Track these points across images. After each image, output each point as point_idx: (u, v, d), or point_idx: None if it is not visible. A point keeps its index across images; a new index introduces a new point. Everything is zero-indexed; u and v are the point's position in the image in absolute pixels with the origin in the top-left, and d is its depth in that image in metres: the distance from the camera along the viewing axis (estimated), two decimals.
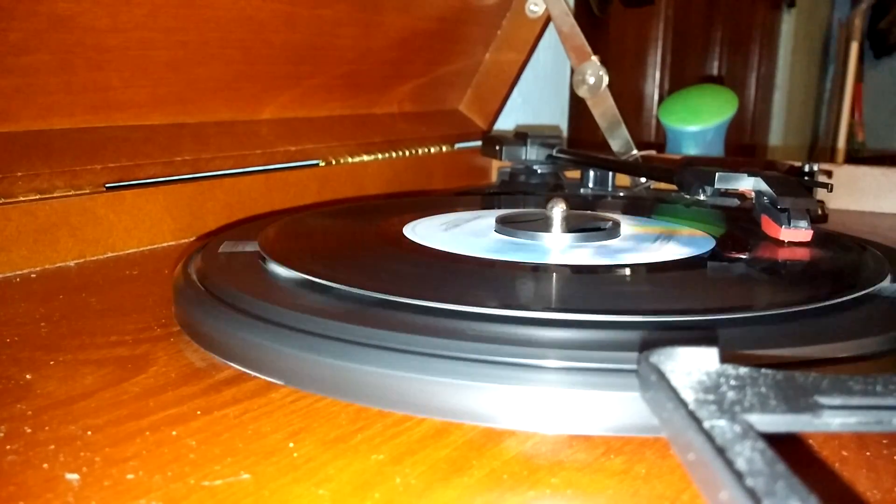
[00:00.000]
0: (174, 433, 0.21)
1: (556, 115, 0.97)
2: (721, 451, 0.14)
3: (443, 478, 0.19)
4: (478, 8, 0.67)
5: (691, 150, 0.73)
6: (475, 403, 0.21)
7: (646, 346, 0.18)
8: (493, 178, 0.75)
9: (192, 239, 0.47)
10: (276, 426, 0.21)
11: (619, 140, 0.62)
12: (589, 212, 0.43)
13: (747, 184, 0.39)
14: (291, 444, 0.20)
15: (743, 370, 0.17)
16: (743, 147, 1.68)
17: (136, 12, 0.41)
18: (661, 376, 0.17)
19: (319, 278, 0.28)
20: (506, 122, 0.82)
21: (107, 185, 0.43)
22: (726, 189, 0.41)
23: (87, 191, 0.42)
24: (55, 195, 0.40)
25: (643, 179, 0.59)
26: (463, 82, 0.73)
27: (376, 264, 0.32)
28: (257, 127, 0.53)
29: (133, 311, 0.32)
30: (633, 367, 0.20)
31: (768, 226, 0.38)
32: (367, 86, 0.62)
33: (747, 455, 0.13)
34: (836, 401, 0.16)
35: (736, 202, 0.41)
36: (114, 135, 0.44)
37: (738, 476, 0.13)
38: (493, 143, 0.63)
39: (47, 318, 0.31)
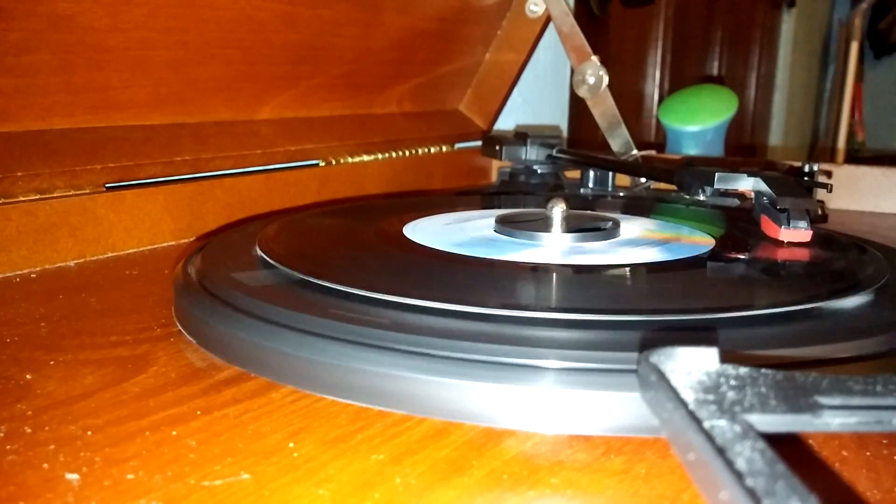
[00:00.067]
0: (174, 433, 0.21)
1: (556, 115, 0.97)
2: (721, 451, 0.14)
3: (443, 478, 0.19)
4: (478, 8, 0.67)
5: (691, 150, 0.73)
6: (475, 403, 0.21)
7: (646, 346, 0.18)
8: (493, 178, 0.75)
9: (192, 239, 0.47)
10: (276, 426, 0.21)
11: (619, 140, 0.62)
12: (589, 212, 0.43)
13: (747, 184, 0.39)
14: (291, 444, 0.20)
15: (743, 370, 0.17)
16: (743, 147, 1.68)
17: (136, 12, 0.41)
18: (661, 376, 0.17)
19: (319, 278, 0.28)
20: (506, 122, 0.82)
21: (107, 185, 0.43)
22: (726, 189, 0.41)
23: (87, 191, 0.42)
24: (55, 195, 0.40)
25: (643, 179, 0.59)
26: (463, 82, 0.73)
27: (376, 264, 0.32)
28: (257, 127, 0.53)
29: (133, 311, 0.32)
30: (633, 367, 0.20)
31: (768, 226, 0.38)
32: (367, 86, 0.62)
33: (747, 455, 0.13)
34: (836, 401, 0.16)
35: (736, 202, 0.41)
36: (114, 135, 0.44)
37: (738, 476, 0.13)
38: (493, 143, 0.63)
39: (47, 318, 0.31)
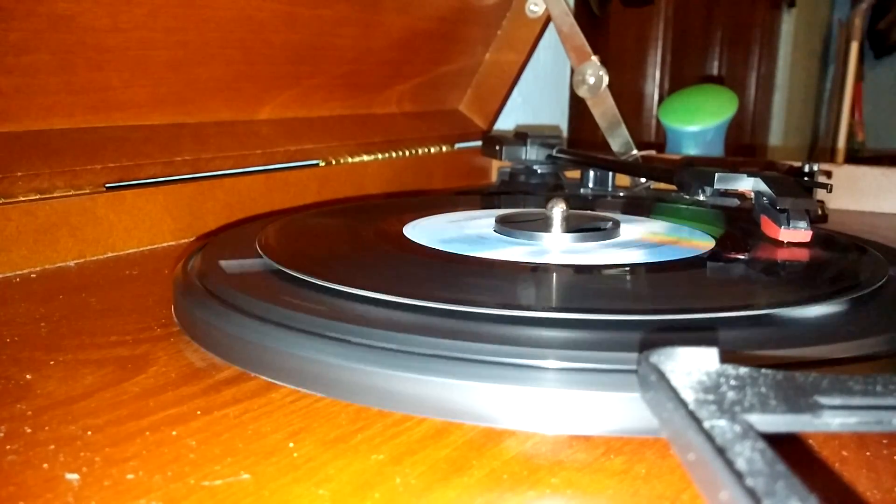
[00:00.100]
0: (174, 433, 0.21)
1: (556, 115, 0.97)
2: (721, 451, 0.14)
3: (443, 478, 0.19)
4: (478, 8, 0.67)
5: (691, 150, 0.73)
6: (474, 404, 0.21)
7: (646, 346, 0.18)
8: (493, 178, 0.75)
9: (192, 239, 0.47)
10: (276, 426, 0.21)
11: (619, 140, 0.62)
12: (589, 212, 0.43)
13: (747, 184, 0.39)
14: (291, 444, 0.20)
15: (743, 370, 0.17)
16: (743, 147, 1.68)
17: (136, 12, 0.41)
18: (661, 376, 0.17)
19: (319, 278, 0.28)
20: (506, 122, 0.82)
21: (107, 185, 0.43)
22: (726, 189, 0.41)
23: (87, 191, 0.42)
24: (55, 195, 0.40)
25: (643, 179, 0.59)
26: (463, 82, 0.73)
27: (376, 264, 0.32)
28: (257, 127, 0.53)
29: (133, 311, 0.32)
30: (633, 367, 0.20)
31: (767, 226, 0.38)
32: (367, 86, 0.62)
33: (747, 455, 0.13)
34: (836, 401, 0.16)
35: (736, 202, 0.41)
36: (114, 135, 0.44)
37: (738, 476, 0.13)
38: (493, 143, 0.63)
39: (47, 318, 0.31)
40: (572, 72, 0.61)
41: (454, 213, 0.43)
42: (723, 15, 1.66)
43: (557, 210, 0.36)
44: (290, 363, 0.23)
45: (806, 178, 0.49)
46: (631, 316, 0.24)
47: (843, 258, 0.35)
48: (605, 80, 0.60)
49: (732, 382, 0.17)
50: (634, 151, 0.62)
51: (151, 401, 0.23)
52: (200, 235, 0.47)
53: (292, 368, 0.23)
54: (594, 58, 0.60)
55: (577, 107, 0.97)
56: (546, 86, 0.94)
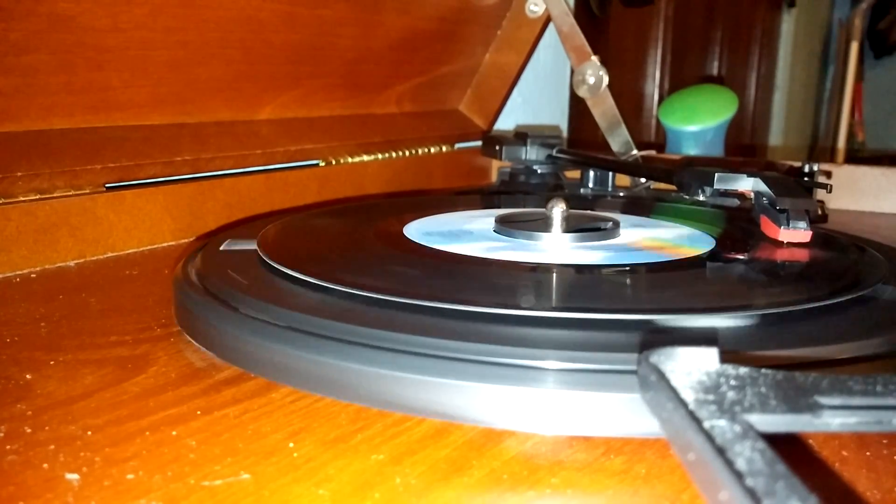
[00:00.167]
0: (174, 433, 0.21)
1: (556, 115, 0.97)
2: (721, 451, 0.14)
3: (443, 478, 0.19)
4: (478, 8, 0.67)
5: (691, 150, 0.73)
6: (474, 405, 0.21)
7: (646, 346, 0.18)
8: (493, 178, 0.75)
9: (192, 239, 0.47)
10: (276, 426, 0.21)
11: (619, 140, 0.62)
12: (589, 212, 0.43)
13: (746, 184, 0.39)
14: (291, 444, 0.20)
15: (743, 370, 0.17)
16: (743, 147, 1.68)
17: (136, 12, 0.41)
18: (661, 376, 0.17)
19: (319, 278, 0.28)
20: (506, 122, 0.82)
21: (107, 185, 0.43)
22: (726, 189, 0.41)
23: (87, 191, 0.42)
24: (55, 195, 0.40)
25: (643, 179, 0.59)
26: (463, 82, 0.73)
27: (376, 264, 0.32)
28: (257, 127, 0.53)
29: (133, 311, 0.32)
30: (633, 367, 0.20)
31: (767, 226, 0.38)
32: (367, 86, 0.62)
33: (747, 455, 0.13)
34: (836, 401, 0.16)
35: (736, 202, 0.41)
36: (114, 135, 0.44)
37: (738, 476, 0.13)
38: (493, 143, 0.63)
39: (47, 318, 0.31)
40: (572, 72, 0.61)
41: (454, 212, 0.43)
42: (723, 15, 1.66)
43: (557, 210, 0.36)
44: (290, 363, 0.23)
45: (806, 178, 0.49)
46: (631, 316, 0.24)
47: (842, 258, 0.35)
48: (605, 80, 0.60)
49: (732, 382, 0.17)
50: (634, 151, 0.62)
51: (151, 401, 0.23)
52: (200, 235, 0.47)
53: (292, 369, 0.23)
54: (594, 58, 0.60)
55: (577, 107, 0.97)
56: (546, 86, 0.94)
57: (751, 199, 0.40)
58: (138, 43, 0.42)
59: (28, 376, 0.25)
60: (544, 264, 0.31)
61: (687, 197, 0.42)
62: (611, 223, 0.37)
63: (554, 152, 0.61)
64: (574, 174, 0.62)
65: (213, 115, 0.50)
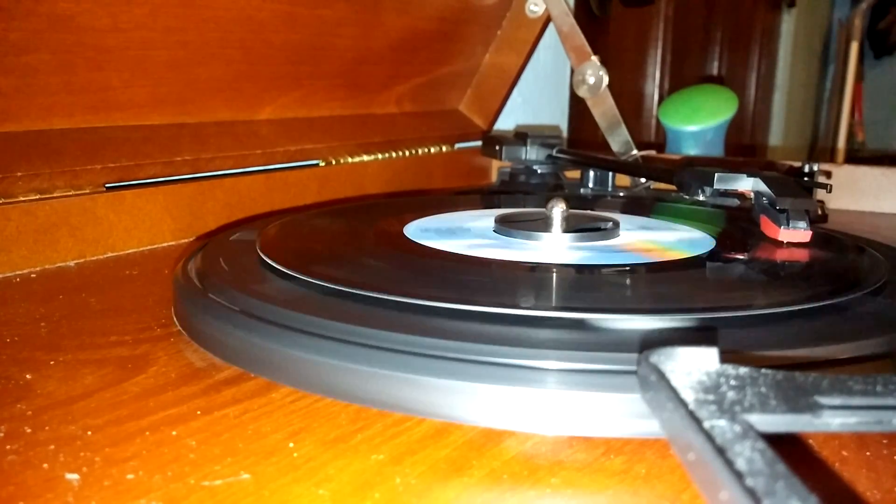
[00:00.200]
0: (174, 433, 0.21)
1: (556, 115, 0.97)
2: (721, 451, 0.14)
3: (443, 478, 0.19)
4: (478, 8, 0.67)
5: (691, 150, 0.73)
6: (472, 406, 0.21)
7: (646, 347, 0.18)
8: (493, 178, 0.75)
9: (192, 239, 0.47)
10: (276, 426, 0.21)
11: (619, 140, 0.62)
12: (589, 211, 0.43)
13: (746, 184, 0.40)
14: (291, 444, 0.20)
15: (743, 370, 0.17)
16: (743, 147, 1.68)
17: (136, 12, 0.41)
18: (661, 376, 0.17)
19: (319, 279, 0.28)
20: (506, 122, 0.82)
21: (107, 185, 0.43)
22: (726, 189, 0.41)
23: (87, 191, 0.42)
24: (55, 195, 0.40)
25: (643, 179, 0.59)
26: (463, 82, 0.73)
27: (376, 264, 0.32)
28: (257, 127, 0.53)
29: (133, 311, 0.32)
30: (633, 368, 0.20)
31: (767, 226, 0.38)
32: (367, 86, 0.62)
33: (747, 455, 0.13)
34: (836, 401, 0.16)
35: (736, 202, 0.41)
36: (114, 135, 0.44)
37: (738, 476, 0.13)
38: (493, 143, 0.63)
39: (47, 318, 0.31)
40: (572, 72, 0.61)
41: (454, 212, 0.43)
42: (723, 15, 1.66)
43: (557, 210, 0.36)
44: (289, 364, 0.23)
45: (806, 178, 0.49)
46: (631, 316, 0.24)
47: (842, 258, 0.35)
48: (605, 80, 0.60)
49: (732, 382, 0.17)
50: (634, 151, 0.62)
51: (151, 401, 0.23)
52: (200, 235, 0.47)
53: (292, 369, 0.23)
54: (594, 58, 0.60)
55: (577, 107, 0.97)
56: (546, 86, 0.94)
57: (751, 199, 0.40)
58: (138, 43, 0.42)
59: (28, 376, 0.25)
60: (544, 264, 0.31)
61: (687, 197, 0.42)
62: (611, 223, 0.37)
63: (554, 152, 0.61)
64: (574, 174, 0.62)
65: (213, 115, 0.50)
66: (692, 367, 0.17)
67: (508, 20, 0.71)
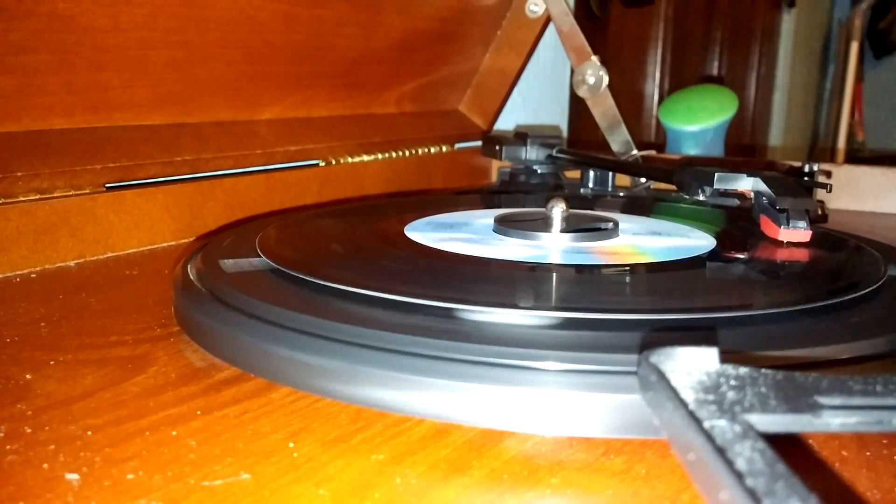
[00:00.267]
0: (174, 433, 0.21)
1: (556, 115, 0.97)
2: (721, 452, 0.14)
3: (443, 478, 0.19)
4: (478, 8, 0.67)
5: (691, 150, 0.73)
6: (472, 406, 0.21)
7: (645, 347, 0.18)
8: (493, 178, 0.75)
9: (192, 239, 0.47)
10: (276, 426, 0.21)
11: (619, 140, 0.62)
12: (589, 211, 0.43)
13: (746, 184, 0.40)
14: (291, 444, 0.20)
15: (743, 370, 0.17)
16: (743, 147, 1.68)
17: (136, 12, 0.41)
18: (661, 376, 0.17)
19: (319, 279, 0.28)
20: (506, 122, 0.82)
21: (107, 185, 0.43)
22: (726, 189, 0.41)
23: (87, 191, 0.42)
24: (55, 195, 0.40)
25: (643, 179, 0.59)
26: (463, 82, 0.73)
27: (377, 264, 0.32)
28: (257, 127, 0.53)
29: (133, 311, 0.32)
30: (633, 368, 0.20)
31: (767, 226, 0.38)
32: (367, 86, 0.62)
33: (747, 455, 0.13)
34: (836, 401, 0.16)
35: (736, 202, 0.41)
36: (114, 135, 0.44)
37: (738, 476, 0.13)
38: (493, 143, 0.63)
39: (47, 318, 0.31)
40: (572, 72, 0.61)
41: (454, 212, 0.43)
42: (723, 15, 1.66)
43: (557, 210, 0.36)
44: (289, 364, 0.23)
45: (806, 178, 0.49)
46: (631, 316, 0.24)
47: (842, 258, 0.35)
48: (605, 80, 0.60)
49: (732, 382, 0.17)
50: (634, 151, 0.62)
51: (151, 401, 0.23)
52: (200, 235, 0.47)
53: (291, 369, 0.23)
54: (594, 58, 0.60)
55: (577, 107, 0.97)
56: (546, 86, 0.94)
57: (751, 198, 0.40)
58: (138, 43, 0.42)
59: (28, 376, 0.25)
60: (543, 264, 0.31)
61: (687, 197, 0.42)
62: (611, 223, 0.37)
63: (554, 152, 0.61)
64: (574, 174, 0.62)
65: (213, 115, 0.50)
66: (692, 367, 0.17)
67: (508, 20, 0.71)
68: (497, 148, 0.62)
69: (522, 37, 0.71)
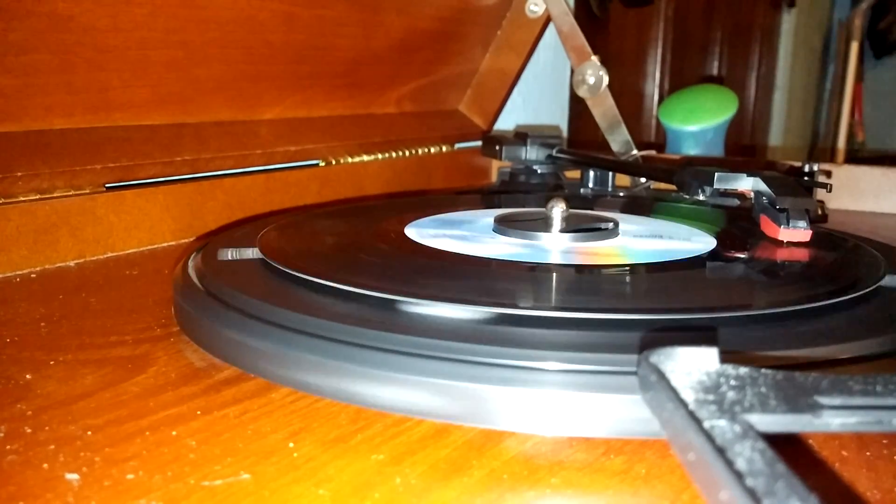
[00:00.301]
0: (174, 433, 0.21)
1: (556, 115, 0.97)
2: (721, 452, 0.14)
3: (443, 478, 0.19)
4: (478, 8, 0.67)
5: (691, 150, 0.73)
6: (472, 406, 0.21)
7: (645, 347, 0.18)
8: (493, 178, 0.75)
9: (192, 239, 0.47)
10: (276, 426, 0.21)
11: (619, 140, 0.62)
12: (589, 211, 0.43)
13: (746, 184, 0.40)
14: (291, 444, 0.20)
15: (743, 370, 0.17)
16: (743, 147, 1.68)
17: (136, 12, 0.41)
18: (661, 376, 0.17)
19: (320, 279, 0.28)
20: (506, 122, 0.82)
21: (107, 185, 0.43)
22: (726, 189, 0.41)
23: (87, 191, 0.42)
24: (55, 195, 0.40)
25: (643, 179, 0.59)
26: (463, 82, 0.73)
27: (377, 264, 0.32)
28: (257, 127, 0.53)
29: (133, 311, 0.32)
30: (633, 368, 0.20)
31: (767, 226, 0.38)
32: (367, 86, 0.62)
33: (747, 455, 0.13)
34: (836, 401, 0.16)
35: (736, 202, 0.41)
36: (114, 135, 0.44)
37: (738, 476, 0.13)
38: (493, 143, 0.63)
39: (47, 318, 0.31)
40: (572, 72, 0.61)
41: (454, 212, 0.43)
42: (723, 15, 1.66)
43: (557, 210, 0.36)
44: (288, 365, 0.23)
45: (806, 178, 0.49)
46: (631, 316, 0.24)
47: (842, 258, 0.35)
48: (605, 80, 0.60)
49: (732, 382, 0.17)
50: (634, 151, 0.62)
51: (151, 401, 0.23)
52: (200, 235, 0.47)
53: (290, 369, 0.23)
54: (594, 58, 0.60)
55: (577, 107, 0.97)
56: (546, 86, 0.94)
57: (751, 198, 0.40)
58: (138, 43, 0.42)
59: (28, 376, 0.25)
60: (543, 264, 0.31)
61: (687, 197, 0.42)
62: (611, 223, 0.37)
63: (554, 152, 0.61)
64: (574, 174, 0.62)
65: (213, 115, 0.50)
66: (692, 367, 0.17)
67: (508, 20, 0.71)
68: (497, 148, 0.62)
69: (522, 37, 0.71)
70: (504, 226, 0.37)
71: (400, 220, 0.40)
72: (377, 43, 0.58)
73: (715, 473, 0.13)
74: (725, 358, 0.18)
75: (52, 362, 0.26)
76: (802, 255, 0.35)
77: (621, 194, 0.58)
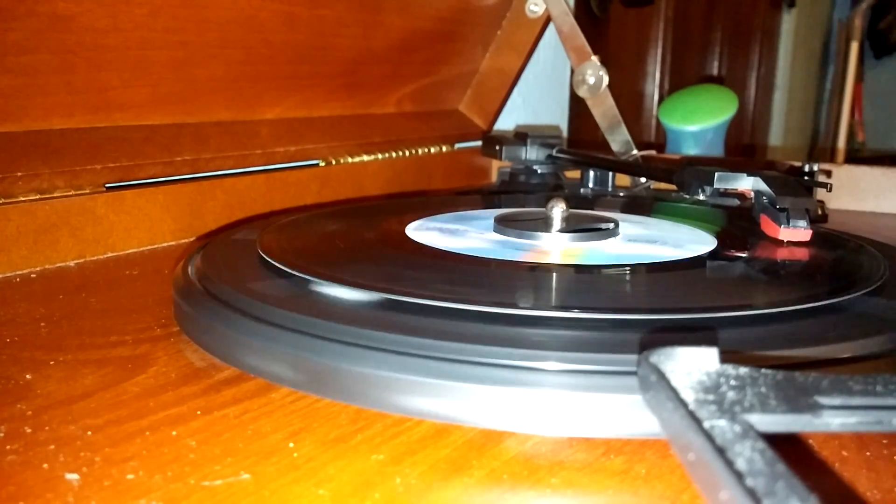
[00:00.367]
0: (174, 433, 0.21)
1: (556, 115, 0.97)
2: (721, 452, 0.14)
3: (443, 478, 0.19)
4: (478, 8, 0.67)
5: (691, 150, 0.73)
6: (471, 407, 0.21)
7: (645, 347, 0.18)
8: (493, 178, 0.75)
9: (192, 239, 0.47)
10: (276, 426, 0.21)
11: (619, 140, 0.62)
12: (589, 211, 0.43)
13: (746, 184, 0.40)
14: (291, 444, 0.20)
15: (743, 370, 0.17)
16: (743, 147, 1.68)
17: (136, 12, 0.41)
18: (661, 376, 0.17)
19: (320, 279, 0.28)
20: (506, 122, 0.82)
21: (107, 185, 0.43)
22: (726, 189, 0.41)
23: (87, 191, 0.42)
24: (55, 195, 0.40)
25: (643, 179, 0.59)
26: (463, 82, 0.73)
27: (378, 264, 0.32)
28: (257, 127, 0.53)
29: (133, 311, 0.32)
30: (633, 368, 0.20)
31: (767, 225, 0.38)
32: (367, 86, 0.62)
33: (747, 455, 0.13)
34: (836, 401, 0.16)
35: (736, 202, 0.41)
36: (114, 135, 0.44)
37: (738, 476, 0.13)
38: (493, 143, 0.63)
39: (47, 318, 0.31)
40: (572, 72, 0.61)
41: (454, 212, 0.43)
42: (723, 15, 1.66)
43: (557, 210, 0.36)
44: (288, 365, 0.23)
45: (806, 178, 0.49)
46: (631, 316, 0.24)
47: (842, 257, 0.35)
48: (605, 80, 0.60)
49: (732, 382, 0.17)
50: (634, 151, 0.62)
51: (151, 401, 0.23)
52: (200, 235, 0.47)
53: (291, 370, 0.23)
54: (594, 58, 0.60)
55: (577, 107, 0.97)
56: (546, 86, 0.94)
57: (751, 198, 0.40)
58: (138, 43, 0.42)
59: (28, 376, 0.25)
60: (543, 264, 0.31)
61: (687, 196, 0.42)
62: (612, 223, 0.37)
63: (554, 152, 0.61)
64: (574, 174, 0.62)
65: (213, 115, 0.50)
66: (692, 367, 0.17)
67: (508, 20, 0.71)
68: (497, 148, 0.62)
69: (522, 37, 0.71)
70: (504, 226, 0.37)
71: (400, 220, 0.40)
72: (377, 43, 0.58)
73: (715, 473, 0.13)
74: (725, 358, 0.18)
75: (52, 362, 0.26)
76: (802, 254, 0.35)
77: (621, 194, 0.58)
